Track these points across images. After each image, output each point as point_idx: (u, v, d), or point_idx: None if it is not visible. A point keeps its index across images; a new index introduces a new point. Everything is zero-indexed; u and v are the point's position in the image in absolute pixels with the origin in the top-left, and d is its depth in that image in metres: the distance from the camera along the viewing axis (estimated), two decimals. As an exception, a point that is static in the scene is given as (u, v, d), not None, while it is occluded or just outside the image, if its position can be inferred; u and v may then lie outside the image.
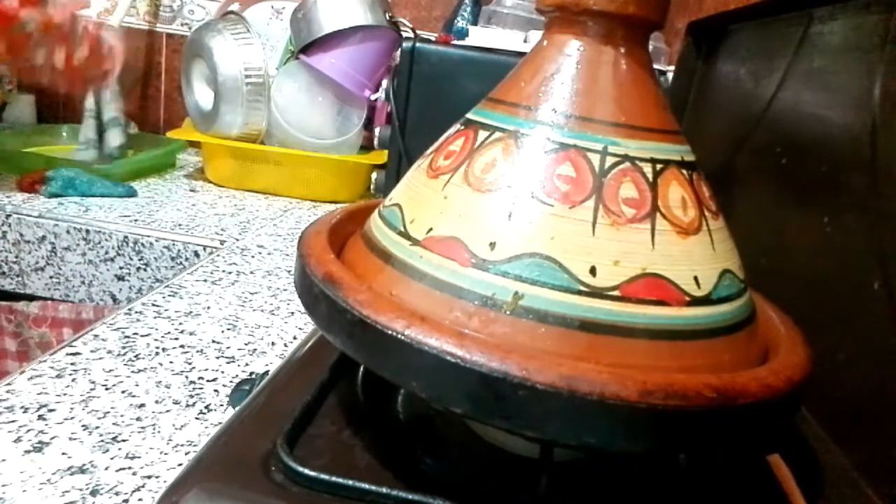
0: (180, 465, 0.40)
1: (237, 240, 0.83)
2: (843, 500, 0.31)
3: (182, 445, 0.41)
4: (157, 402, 0.46)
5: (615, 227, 0.25)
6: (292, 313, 0.63)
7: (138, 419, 0.43)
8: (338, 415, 0.30)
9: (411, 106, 0.80)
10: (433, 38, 0.92)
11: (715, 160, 0.56)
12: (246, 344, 0.56)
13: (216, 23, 1.03)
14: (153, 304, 0.61)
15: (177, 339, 0.55)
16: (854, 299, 0.36)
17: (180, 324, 0.58)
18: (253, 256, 0.77)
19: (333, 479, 0.25)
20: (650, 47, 0.29)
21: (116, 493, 0.36)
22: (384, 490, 0.25)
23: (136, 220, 0.85)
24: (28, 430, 0.41)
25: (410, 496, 0.25)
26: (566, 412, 0.21)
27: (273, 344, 0.57)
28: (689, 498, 0.29)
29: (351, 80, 1.02)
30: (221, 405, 0.46)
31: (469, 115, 0.30)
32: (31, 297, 0.86)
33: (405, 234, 0.27)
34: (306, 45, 1.01)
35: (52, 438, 0.40)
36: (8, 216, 0.83)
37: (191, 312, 0.60)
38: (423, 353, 0.22)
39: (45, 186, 0.91)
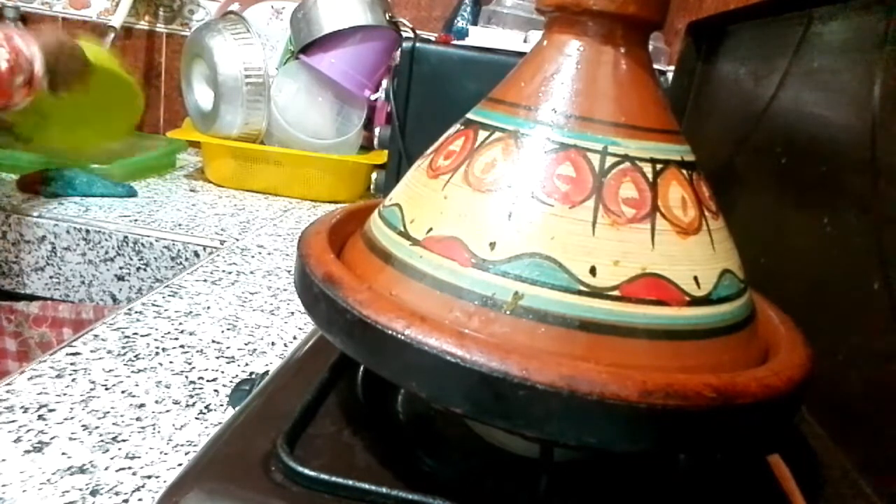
0: (180, 465, 0.40)
1: (237, 240, 0.83)
2: (843, 500, 0.31)
3: (182, 445, 0.41)
4: (157, 402, 0.46)
5: (615, 227, 0.25)
6: (292, 313, 0.63)
7: (138, 419, 0.43)
8: (338, 415, 0.30)
9: (411, 106, 0.80)
10: (433, 38, 0.92)
11: (715, 160, 0.56)
12: (246, 344, 0.56)
13: (216, 23, 1.03)
14: (153, 304, 0.61)
15: (177, 339, 0.55)
16: (854, 299, 0.36)
17: (180, 324, 0.58)
18: (253, 256, 0.77)
19: (333, 479, 0.25)
20: (650, 47, 0.29)
21: (116, 493, 0.36)
22: (384, 490, 0.25)
23: (136, 220, 0.85)
24: (28, 430, 0.41)
25: (410, 496, 0.25)
26: (566, 412, 0.21)
27: (273, 344, 0.57)
28: (689, 498, 0.29)
29: (351, 80, 1.02)
30: (221, 405, 0.46)
31: (469, 115, 0.30)
32: (31, 297, 0.86)
33: (405, 234, 0.27)
34: (306, 45, 1.01)
35: (52, 438, 0.40)
36: (8, 216, 0.83)
37: (191, 312, 0.60)
38: (423, 353, 0.22)
39: (45, 186, 0.91)
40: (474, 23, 1.03)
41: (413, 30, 0.97)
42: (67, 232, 0.83)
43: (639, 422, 0.21)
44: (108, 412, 0.44)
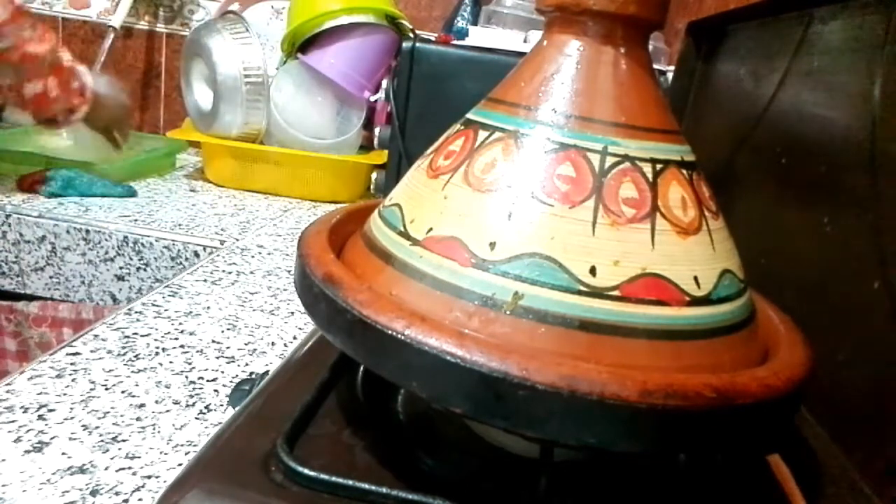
0: (180, 465, 0.40)
1: (237, 240, 0.83)
2: (843, 500, 0.31)
3: (182, 445, 0.41)
4: (157, 402, 0.46)
5: (615, 227, 0.25)
6: (292, 313, 0.63)
7: (138, 419, 0.43)
8: (338, 415, 0.30)
9: (411, 106, 0.80)
10: (433, 38, 0.92)
11: (715, 160, 0.56)
12: (246, 344, 0.56)
13: (215, 23, 1.03)
14: (153, 304, 0.61)
15: (177, 339, 0.55)
16: (854, 299, 0.36)
17: (180, 324, 0.58)
18: (253, 256, 0.77)
19: (333, 479, 0.25)
20: (650, 47, 0.29)
21: (116, 493, 0.36)
22: (384, 490, 0.25)
23: (136, 220, 0.85)
24: (28, 430, 0.41)
25: (410, 496, 0.25)
26: (566, 412, 0.21)
27: (273, 344, 0.57)
28: (689, 498, 0.29)
29: (350, 82, 1.02)
30: (221, 405, 0.46)
31: (469, 115, 0.30)
32: (31, 297, 0.86)
33: (405, 234, 0.27)
34: (306, 45, 1.01)
35: (52, 438, 0.40)
36: (8, 216, 0.83)
37: (191, 312, 0.60)
38: (423, 353, 0.22)
39: (45, 186, 0.91)
40: (474, 23, 1.03)
41: (413, 30, 0.97)
42: (67, 232, 0.83)
43: (639, 422, 0.21)
44: (108, 412, 0.44)
